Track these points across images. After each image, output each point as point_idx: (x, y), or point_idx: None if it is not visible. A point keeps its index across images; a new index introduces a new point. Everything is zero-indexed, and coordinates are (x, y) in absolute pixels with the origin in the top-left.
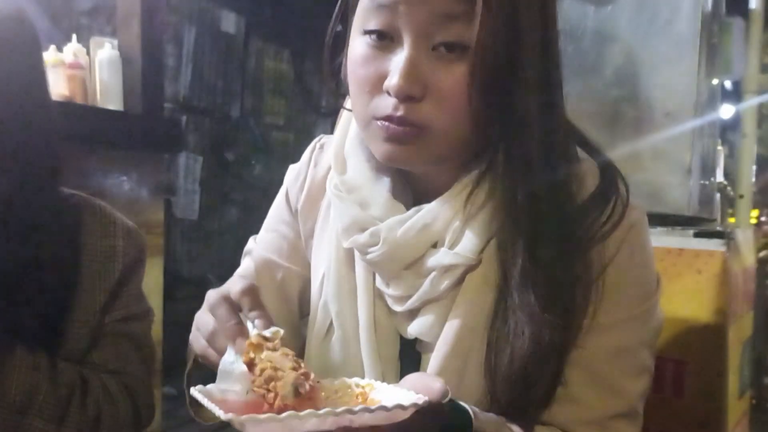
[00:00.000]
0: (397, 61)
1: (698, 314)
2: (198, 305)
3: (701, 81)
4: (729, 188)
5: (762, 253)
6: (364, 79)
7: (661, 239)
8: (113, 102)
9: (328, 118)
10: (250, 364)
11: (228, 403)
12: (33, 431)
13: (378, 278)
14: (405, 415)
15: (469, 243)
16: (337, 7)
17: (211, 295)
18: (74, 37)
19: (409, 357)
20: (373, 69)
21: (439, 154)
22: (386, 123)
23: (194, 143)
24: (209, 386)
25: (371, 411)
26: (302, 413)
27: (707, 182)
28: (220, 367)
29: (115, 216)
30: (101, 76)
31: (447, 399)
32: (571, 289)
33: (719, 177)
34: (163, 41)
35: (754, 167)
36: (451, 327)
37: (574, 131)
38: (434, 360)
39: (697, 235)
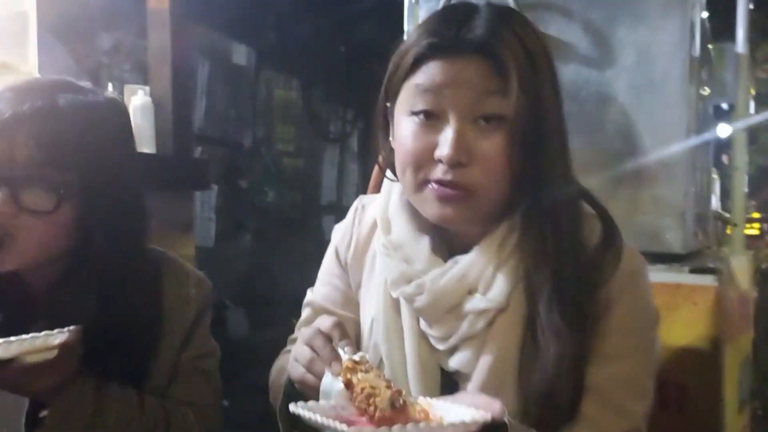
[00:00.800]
0: (446, 134)
1: (696, 342)
2: (214, 329)
3: (691, 130)
4: (723, 212)
5: (765, 265)
6: (416, 152)
7: (660, 275)
8: (147, 145)
9: (336, 144)
10: (348, 384)
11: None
12: None
13: (422, 322)
14: (473, 428)
15: (498, 289)
16: (380, 98)
17: (305, 331)
18: (110, 85)
19: (448, 387)
20: (425, 143)
21: (483, 212)
22: (438, 186)
23: (209, 173)
24: (312, 403)
25: (455, 425)
26: (408, 427)
27: (704, 215)
28: (321, 388)
29: (187, 267)
30: (135, 122)
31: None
32: (587, 318)
33: (714, 203)
34: (190, 84)
35: (745, 195)
36: (486, 359)
37: (579, 187)
38: (472, 387)
39: (692, 271)
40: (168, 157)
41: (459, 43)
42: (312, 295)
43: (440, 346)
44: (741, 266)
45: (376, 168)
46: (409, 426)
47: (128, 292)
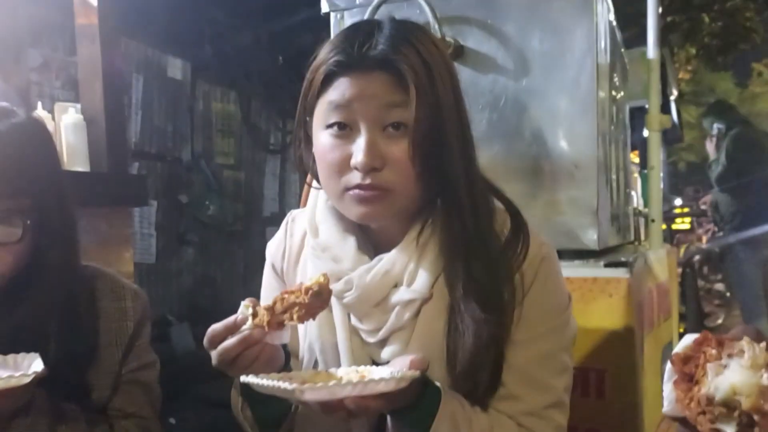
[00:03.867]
0: (359, 143)
1: (612, 330)
2: (158, 345)
3: (602, 133)
4: (645, 210)
5: (696, 257)
6: (335, 162)
7: (578, 270)
8: (80, 163)
9: (276, 155)
10: (254, 315)
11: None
12: None
13: (353, 317)
14: (403, 384)
15: (421, 281)
16: (297, 114)
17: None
18: (39, 104)
19: None
20: (341, 153)
21: (399, 209)
22: (358, 190)
23: (148, 188)
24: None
25: (386, 380)
26: (342, 382)
27: (622, 212)
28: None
29: (122, 281)
30: (67, 140)
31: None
32: (501, 303)
33: (636, 201)
34: (123, 99)
35: (661, 192)
36: (414, 348)
37: (490, 185)
38: None
39: (606, 265)
40: (102, 174)
41: (363, 59)
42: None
43: (371, 339)
44: (659, 259)
45: (306, 186)
46: (345, 382)
47: (66, 308)
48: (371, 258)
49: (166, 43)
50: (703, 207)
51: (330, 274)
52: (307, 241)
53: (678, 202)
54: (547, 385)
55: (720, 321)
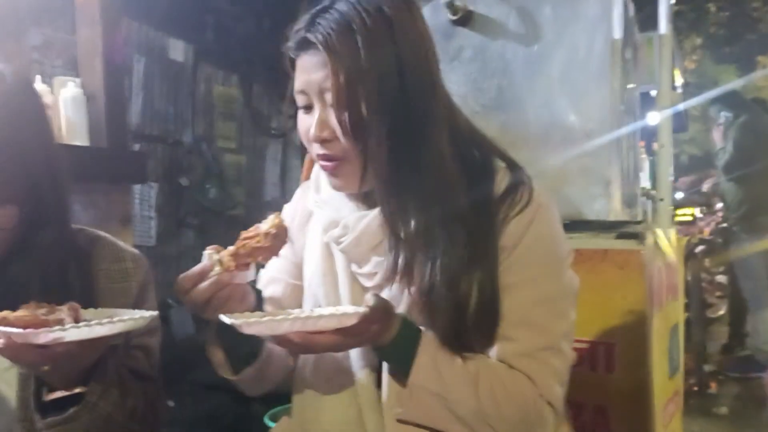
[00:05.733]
0: (313, 119)
1: (623, 303)
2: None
3: (616, 104)
4: (653, 191)
5: (698, 248)
6: (304, 137)
7: (588, 242)
8: (79, 138)
9: (278, 140)
10: (220, 261)
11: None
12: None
13: (352, 264)
14: (352, 320)
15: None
16: (288, 92)
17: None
18: (38, 77)
19: None
20: (306, 129)
21: (356, 176)
22: (321, 160)
23: (148, 170)
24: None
25: (326, 317)
26: (278, 318)
27: (630, 189)
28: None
29: (121, 244)
30: (66, 114)
31: (399, 315)
32: (495, 249)
33: (644, 181)
34: (123, 77)
35: (672, 170)
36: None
37: (492, 147)
38: None
39: (618, 237)
40: (102, 149)
41: (306, 42)
42: (264, 271)
43: (369, 284)
44: (669, 239)
45: (307, 156)
46: (280, 317)
47: (62, 274)
48: (370, 209)
49: (168, 25)
50: (705, 190)
51: (330, 222)
52: (311, 197)
53: (679, 195)
54: (543, 328)
55: (721, 312)
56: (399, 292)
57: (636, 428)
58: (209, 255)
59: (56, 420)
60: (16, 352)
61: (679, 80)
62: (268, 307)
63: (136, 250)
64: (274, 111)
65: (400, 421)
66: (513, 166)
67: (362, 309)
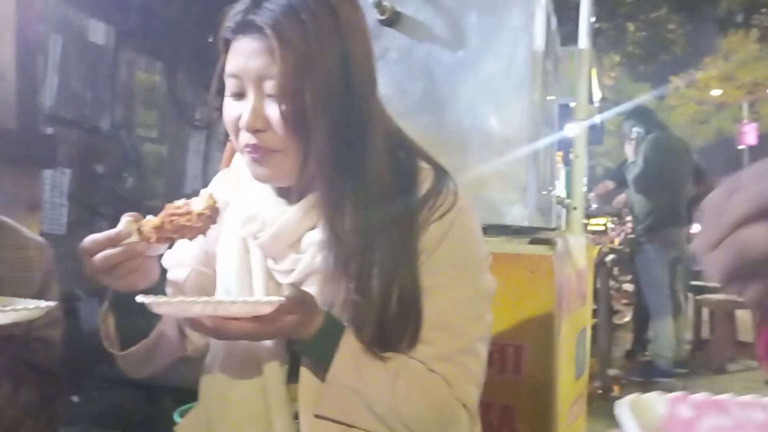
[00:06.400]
0: (245, 107)
1: (532, 307)
2: (65, 321)
3: (535, 113)
4: (568, 200)
5: (608, 257)
6: (230, 125)
7: (502, 246)
8: None
9: (202, 131)
10: (139, 230)
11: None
12: (26, 428)
13: (268, 260)
14: (267, 309)
15: None
16: (215, 75)
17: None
18: None
19: None
20: (234, 116)
21: (292, 169)
22: (249, 150)
23: (61, 155)
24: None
25: (239, 303)
26: (189, 300)
27: (546, 197)
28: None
29: (24, 231)
30: None
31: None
32: (415, 253)
33: (558, 190)
34: (37, 55)
35: (585, 180)
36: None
37: (416, 148)
38: None
39: (530, 242)
40: (10, 130)
41: (246, 25)
42: (170, 252)
43: (285, 281)
44: (579, 246)
45: (228, 144)
46: (191, 300)
47: None
48: (290, 204)
49: (89, 5)
50: (617, 206)
51: (248, 216)
52: (231, 188)
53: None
54: (460, 331)
55: (627, 319)
56: (326, 289)
57: (540, 427)
58: (128, 222)
59: None
60: None
61: (597, 95)
62: (168, 290)
63: (40, 238)
64: (198, 101)
65: (316, 416)
66: (438, 169)
67: (277, 298)
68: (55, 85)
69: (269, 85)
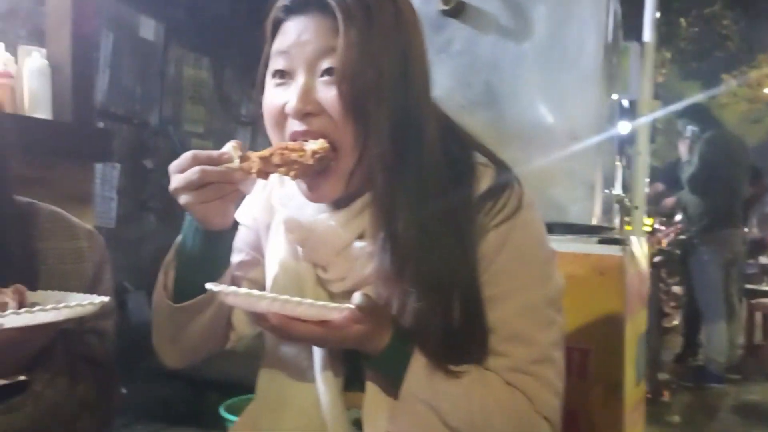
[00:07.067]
0: (294, 89)
1: (601, 309)
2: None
3: (602, 108)
4: (626, 199)
5: (656, 259)
6: (272, 110)
7: (569, 246)
8: (42, 111)
9: (247, 127)
10: (243, 158)
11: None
12: (84, 422)
13: (318, 269)
14: (335, 315)
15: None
16: (260, 66)
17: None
18: (2, 45)
19: None
20: (279, 101)
21: (345, 161)
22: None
23: (112, 150)
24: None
25: (306, 304)
26: (257, 294)
27: (608, 195)
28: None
29: (73, 220)
30: (30, 85)
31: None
32: (475, 261)
33: (617, 189)
34: (92, 50)
35: (647, 180)
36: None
37: (472, 142)
38: None
39: (599, 242)
40: (66, 123)
41: (305, 3)
42: None
43: (337, 290)
44: (640, 247)
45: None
46: (259, 294)
47: (3, 244)
48: (335, 209)
49: (140, 2)
50: (666, 208)
51: (294, 222)
52: (275, 192)
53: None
54: (531, 339)
55: (675, 322)
56: (382, 294)
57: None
58: (232, 147)
59: None
60: None
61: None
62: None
63: (91, 227)
64: (244, 98)
65: None
66: (499, 165)
67: (346, 306)
68: (107, 81)
69: (325, 64)
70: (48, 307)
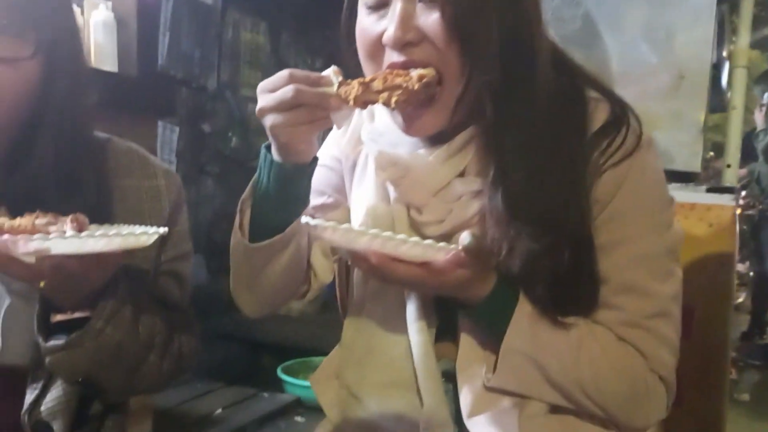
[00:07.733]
0: (391, 17)
1: (708, 265)
2: None
3: (714, 47)
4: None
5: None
6: (368, 41)
7: (675, 194)
8: (108, 63)
9: None
10: (341, 84)
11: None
12: (149, 365)
13: (412, 211)
14: (440, 255)
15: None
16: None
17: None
18: None
19: None
20: (375, 31)
21: (448, 92)
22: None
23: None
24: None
25: (410, 243)
26: (357, 229)
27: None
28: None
29: (151, 158)
30: (96, 37)
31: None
32: (588, 203)
33: None
34: (156, 6)
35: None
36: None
37: (584, 74)
38: None
39: (708, 190)
40: (131, 77)
41: None
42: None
43: (433, 233)
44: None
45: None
46: (359, 230)
47: (78, 176)
48: (432, 145)
49: None
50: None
51: (386, 160)
52: (363, 127)
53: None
54: (648, 291)
55: (741, 300)
56: (492, 234)
57: (709, 395)
58: (333, 71)
59: (57, 345)
60: (2, 263)
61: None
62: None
63: (169, 167)
64: (300, 62)
65: (487, 388)
66: (615, 101)
67: (453, 246)
68: (166, 44)
69: None
70: (97, 233)
